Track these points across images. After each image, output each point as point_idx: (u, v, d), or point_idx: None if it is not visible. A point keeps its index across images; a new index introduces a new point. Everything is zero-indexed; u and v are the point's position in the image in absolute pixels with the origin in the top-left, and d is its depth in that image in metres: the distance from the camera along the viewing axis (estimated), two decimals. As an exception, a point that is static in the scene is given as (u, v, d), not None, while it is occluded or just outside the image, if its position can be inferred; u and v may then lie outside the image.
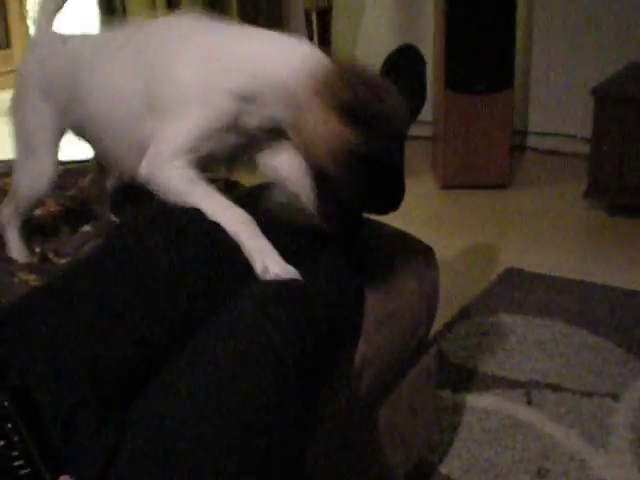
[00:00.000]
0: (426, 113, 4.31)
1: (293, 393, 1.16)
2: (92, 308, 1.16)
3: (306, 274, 1.36)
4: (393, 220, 1.85)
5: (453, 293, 2.82)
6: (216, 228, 1.33)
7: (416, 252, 1.78)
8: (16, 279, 1.63)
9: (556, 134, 4.46)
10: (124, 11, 4.13)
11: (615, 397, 2.28)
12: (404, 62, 1.81)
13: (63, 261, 1.72)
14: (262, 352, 1.14)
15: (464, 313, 2.76)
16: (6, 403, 0.85)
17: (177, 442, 1.04)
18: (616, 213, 3.65)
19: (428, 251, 1.79)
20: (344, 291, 1.43)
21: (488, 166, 4.01)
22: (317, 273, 1.40)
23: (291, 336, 1.17)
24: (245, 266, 1.31)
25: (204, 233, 1.31)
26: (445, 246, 3.28)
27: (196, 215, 1.34)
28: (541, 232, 3.54)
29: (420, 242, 1.82)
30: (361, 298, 1.51)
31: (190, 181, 1.42)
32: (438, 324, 2.65)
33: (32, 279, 1.62)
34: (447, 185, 4.01)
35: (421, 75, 1.81)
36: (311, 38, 4.21)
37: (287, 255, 1.36)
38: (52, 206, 1.97)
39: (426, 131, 4.12)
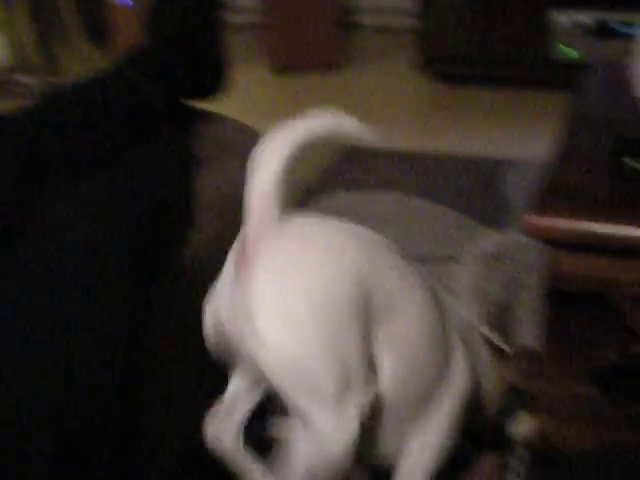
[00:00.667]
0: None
1: (119, 297, 1.13)
2: None
3: (123, 168, 1.33)
4: (224, 109, 1.82)
5: (290, 174, 2.82)
6: None
7: (246, 138, 1.76)
8: None
9: (385, 9, 4.46)
10: None
11: (456, 260, 2.34)
12: None
13: None
14: (84, 253, 1.11)
15: (302, 195, 2.76)
16: None
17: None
18: (450, 83, 3.70)
19: (256, 135, 1.77)
20: (166, 183, 1.40)
21: (319, 47, 3.99)
22: (135, 166, 1.37)
23: (112, 233, 1.14)
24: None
25: None
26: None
27: None
28: (378, 108, 3.56)
29: (250, 128, 1.80)
30: (189, 189, 1.49)
31: None
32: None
33: None
34: (279, 69, 3.97)
35: None
36: None
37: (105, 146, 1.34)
38: None
39: (254, 17, 4.05)
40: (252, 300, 1.01)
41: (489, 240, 2.46)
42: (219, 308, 1.07)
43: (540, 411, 1.36)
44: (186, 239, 1.44)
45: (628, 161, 1.26)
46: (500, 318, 2.09)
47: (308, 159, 2.91)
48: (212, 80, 1.68)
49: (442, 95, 3.64)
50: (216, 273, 1.54)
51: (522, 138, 3.19)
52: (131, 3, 3.87)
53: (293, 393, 0.98)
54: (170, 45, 1.57)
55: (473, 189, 2.72)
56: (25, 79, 2.01)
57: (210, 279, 1.52)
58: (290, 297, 0.99)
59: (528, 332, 2.02)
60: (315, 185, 2.84)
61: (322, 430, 0.98)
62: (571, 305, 1.26)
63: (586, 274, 1.22)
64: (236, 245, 1.15)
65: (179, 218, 1.42)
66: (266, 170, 1.18)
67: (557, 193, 1.24)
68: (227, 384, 1.15)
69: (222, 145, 1.68)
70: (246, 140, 1.69)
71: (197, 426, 1.10)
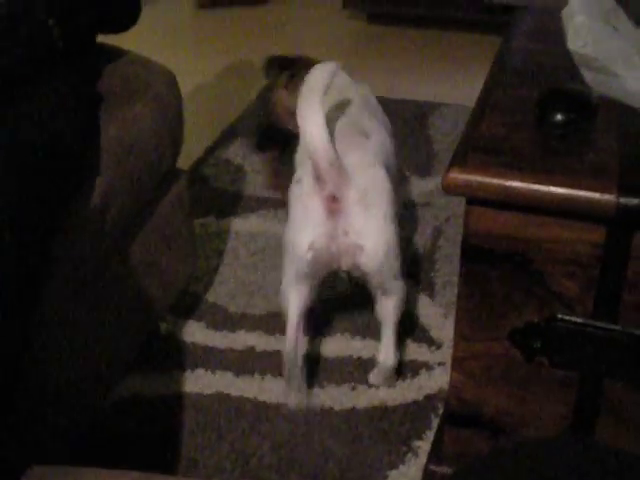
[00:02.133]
0: None
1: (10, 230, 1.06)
2: None
3: (25, 106, 1.24)
4: (148, 45, 1.74)
5: (216, 115, 2.74)
6: None
7: (158, 78, 1.67)
8: None
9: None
10: None
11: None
12: None
13: None
14: None
15: (226, 137, 2.69)
16: None
17: None
18: (374, 21, 3.63)
19: (170, 75, 1.68)
20: (72, 123, 1.31)
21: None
22: (38, 106, 1.28)
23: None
24: None
25: None
26: (206, 67, 3.16)
27: None
28: (303, 45, 3.47)
29: (162, 67, 1.71)
30: (93, 129, 1.40)
31: None
32: (199, 150, 2.57)
33: None
34: (204, 4, 3.85)
35: None
36: None
37: None
38: None
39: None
40: (354, 225, 1.50)
41: (415, 187, 2.41)
42: (316, 236, 1.51)
43: (455, 369, 1.32)
44: (88, 183, 1.36)
45: (554, 115, 1.20)
46: (422, 267, 2.06)
47: (230, 99, 2.83)
48: (123, 11, 1.58)
49: (369, 34, 3.57)
50: (117, 218, 1.47)
51: (451, 80, 3.14)
52: None
53: (382, 276, 1.56)
54: None
55: (400, 133, 2.65)
56: None
57: (111, 223, 1.45)
58: (376, 220, 1.52)
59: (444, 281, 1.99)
60: (236, 127, 2.76)
61: (399, 292, 1.62)
62: (488, 262, 1.21)
63: (505, 232, 1.16)
64: (305, 188, 1.52)
65: (77, 159, 1.33)
66: (318, 121, 1.43)
67: (478, 147, 1.18)
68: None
69: (131, 85, 1.59)
70: (159, 82, 1.61)
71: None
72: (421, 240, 2.18)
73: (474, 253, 1.21)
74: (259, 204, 2.33)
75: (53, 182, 1.20)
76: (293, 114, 1.53)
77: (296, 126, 1.48)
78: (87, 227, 1.37)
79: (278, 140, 2.21)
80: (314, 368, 1.76)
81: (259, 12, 3.84)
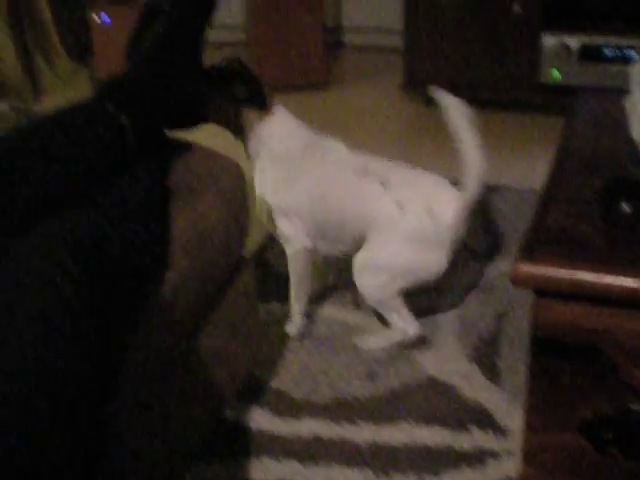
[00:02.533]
0: (236, 16, 4.20)
1: (83, 332, 1.07)
2: None
3: (98, 203, 1.27)
4: (212, 129, 1.77)
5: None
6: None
7: (225, 170, 1.70)
8: None
9: (371, 28, 4.42)
10: None
11: (442, 291, 2.29)
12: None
13: None
14: (44, 296, 1.05)
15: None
16: None
17: None
18: (432, 104, 3.65)
19: (236, 167, 1.72)
20: (142, 219, 1.35)
21: (305, 66, 3.95)
22: (110, 201, 1.31)
23: (74, 274, 1.08)
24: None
25: None
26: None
27: None
28: (361, 129, 3.52)
29: (228, 159, 1.75)
30: (163, 224, 1.43)
31: None
32: (262, 236, 2.60)
33: None
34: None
35: None
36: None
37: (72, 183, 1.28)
38: None
39: (240, 36, 4.00)
40: None
41: (479, 271, 2.41)
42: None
43: (526, 462, 1.31)
44: (158, 277, 1.38)
45: (621, 205, 1.20)
46: (485, 351, 2.04)
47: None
48: (192, 110, 1.63)
49: (427, 117, 3.60)
50: (187, 309, 1.49)
51: (512, 162, 3.14)
52: (110, 22, 3.84)
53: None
54: (149, 74, 1.52)
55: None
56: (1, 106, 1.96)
57: (181, 315, 1.47)
58: None
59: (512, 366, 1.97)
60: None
61: None
62: (558, 353, 1.21)
63: (575, 323, 1.16)
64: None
65: (151, 255, 1.36)
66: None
67: (545, 239, 1.18)
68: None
69: (200, 179, 1.62)
70: (226, 175, 1.64)
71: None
72: (484, 324, 2.17)
73: (544, 344, 1.20)
74: (323, 290, 2.34)
75: (128, 277, 1.22)
76: None
77: None
78: (157, 319, 1.39)
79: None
80: (379, 457, 1.74)
81: (318, 96, 3.90)
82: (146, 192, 1.40)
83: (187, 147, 1.72)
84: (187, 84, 1.58)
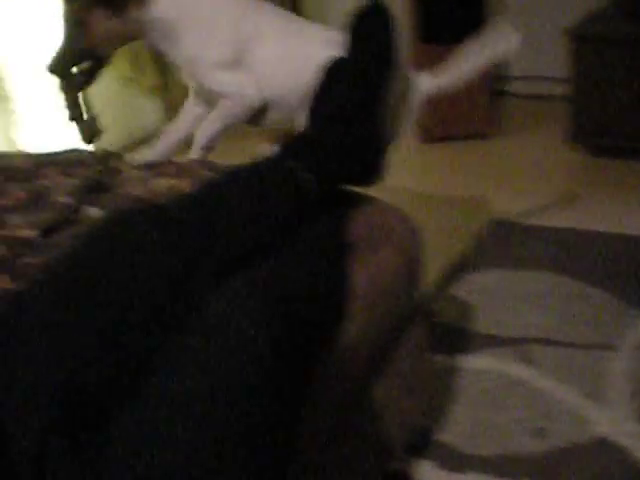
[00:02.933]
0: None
1: (275, 385, 1.11)
2: (64, 316, 1.10)
3: (282, 258, 1.32)
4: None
5: (440, 251, 2.78)
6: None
7: (400, 224, 1.73)
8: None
9: (536, 77, 4.39)
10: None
11: (611, 348, 2.25)
12: (370, 24, 1.75)
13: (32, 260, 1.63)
14: (240, 351, 1.09)
15: (452, 271, 2.72)
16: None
17: (160, 456, 1.00)
18: (600, 155, 3.60)
19: (410, 222, 1.75)
20: (326, 274, 1.39)
21: (469, 116, 3.95)
22: (294, 256, 1.36)
23: (267, 329, 1.12)
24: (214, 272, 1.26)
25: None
26: (429, 202, 3.23)
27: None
28: (526, 180, 3.49)
29: (400, 210, 1.78)
30: (344, 278, 1.47)
31: None
32: (426, 284, 2.61)
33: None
34: (427, 138, 3.95)
35: (388, 37, 1.75)
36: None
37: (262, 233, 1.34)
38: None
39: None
40: None
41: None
42: None
43: None
44: (339, 330, 1.41)
45: None
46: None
47: (455, 233, 2.88)
48: (371, 168, 1.67)
49: (595, 168, 3.54)
50: (363, 361, 1.52)
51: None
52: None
53: None
54: (330, 133, 1.57)
55: (629, 271, 2.61)
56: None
57: (358, 366, 1.50)
58: None
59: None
60: (465, 261, 2.79)
61: None
62: None
63: None
64: None
65: (333, 308, 1.40)
66: None
67: None
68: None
69: (376, 232, 1.66)
70: (401, 227, 1.67)
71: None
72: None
73: None
74: (487, 341, 2.34)
75: (313, 329, 1.26)
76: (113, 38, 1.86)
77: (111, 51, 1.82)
78: (335, 370, 1.42)
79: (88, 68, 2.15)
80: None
81: (481, 146, 3.90)
82: (327, 245, 1.45)
83: (362, 200, 1.75)
84: (367, 145, 1.62)
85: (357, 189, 1.75)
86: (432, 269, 2.62)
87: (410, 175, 3.61)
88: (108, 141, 3.85)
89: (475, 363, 2.24)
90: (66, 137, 3.29)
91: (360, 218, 1.68)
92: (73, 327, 1.08)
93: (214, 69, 2.06)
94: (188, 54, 2.07)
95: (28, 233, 1.63)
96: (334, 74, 1.77)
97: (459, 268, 2.74)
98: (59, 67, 2.05)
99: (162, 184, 1.89)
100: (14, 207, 1.74)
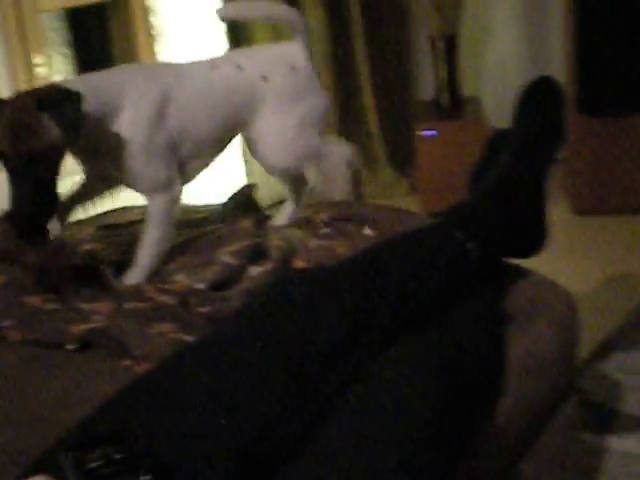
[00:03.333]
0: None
1: (438, 455, 1.12)
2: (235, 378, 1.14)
3: (444, 327, 1.33)
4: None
5: (592, 327, 2.73)
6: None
7: (557, 299, 1.72)
8: (151, 330, 1.62)
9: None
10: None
11: None
12: (540, 96, 1.76)
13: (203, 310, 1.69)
14: (406, 420, 1.11)
15: (604, 349, 2.66)
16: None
17: None
18: None
19: (568, 297, 1.73)
20: (485, 345, 1.39)
21: (625, 190, 3.88)
22: (455, 326, 1.37)
23: (434, 398, 1.14)
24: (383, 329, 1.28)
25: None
26: (582, 276, 3.18)
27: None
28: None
29: (555, 284, 1.76)
30: (501, 350, 1.47)
31: None
32: (577, 361, 2.57)
33: (170, 330, 1.61)
34: (581, 210, 3.89)
35: (559, 110, 1.76)
36: (437, 64, 4.17)
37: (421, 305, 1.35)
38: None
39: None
40: None
41: None
42: None
43: None
44: (495, 403, 1.41)
45: None
46: None
47: (608, 310, 2.82)
48: (535, 240, 1.67)
49: None
50: (516, 436, 1.51)
51: None
52: (435, 135, 3.98)
53: None
54: (495, 203, 1.58)
55: None
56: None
57: (510, 441, 1.49)
58: None
59: None
60: (618, 339, 2.73)
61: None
62: None
63: None
64: None
65: (491, 380, 1.40)
66: None
67: None
68: None
69: (533, 305, 1.65)
70: (557, 301, 1.66)
71: None
72: None
73: None
74: (637, 423, 2.27)
75: (472, 401, 1.27)
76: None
77: None
78: (488, 444, 1.41)
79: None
80: None
81: (636, 221, 3.82)
82: (486, 317, 1.45)
83: (518, 272, 1.75)
84: (533, 217, 1.62)
85: (513, 261, 1.75)
86: (584, 345, 2.57)
87: (562, 247, 3.56)
88: (267, 197, 3.99)
89: (624, 445, 2.18)
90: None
91: (516, 290, 1.68)
92: (247, 385, 1.12)
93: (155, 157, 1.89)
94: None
95: (198, 285, 1.71)
96: (496, 144, 1.78)
97: (611, 346, 2.68)
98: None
99: (320, 245, 1.94)
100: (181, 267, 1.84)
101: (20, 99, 1.69)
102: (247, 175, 3.88)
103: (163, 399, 1.11)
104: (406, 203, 3.92)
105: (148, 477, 0.85)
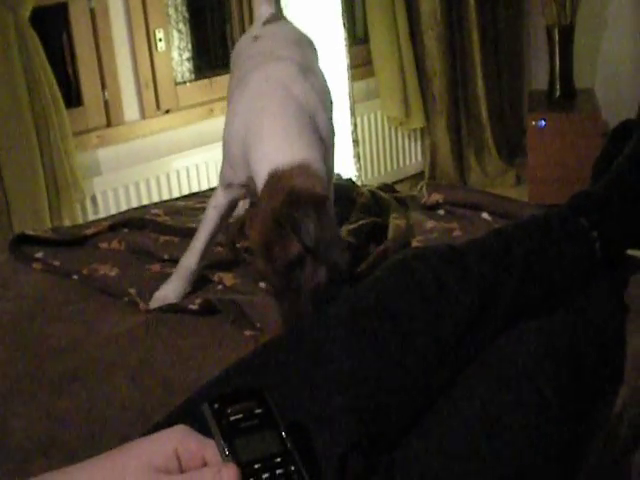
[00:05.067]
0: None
1: (557, 437, 1.14)
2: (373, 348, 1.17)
3: (568, 313, 1.34)
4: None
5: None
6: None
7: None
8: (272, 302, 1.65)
9: None
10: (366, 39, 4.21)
11: None
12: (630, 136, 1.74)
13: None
14: (527, 398, 1.12)
15: None
16: (289, 445, 0.87)
17: None
18: None
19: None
20: (606, 333, 1.39)
21: None
22: (579, 313, 1.37)
23: (555, 379, 1.15)
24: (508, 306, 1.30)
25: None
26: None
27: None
28: None
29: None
30: (622, 339, 1.47)
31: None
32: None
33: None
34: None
35: None
36: (552, 55, 4.13)
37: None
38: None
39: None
40: None
41: None
42: None
43: None
44: (614, 391, 1.41)
45: None
46: None
47: None
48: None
49: None
50: (630, 425, 1.50)
51: None
52: (545, 126, 3.95)
53: None
54: (618, 193, 1.58)
55: None
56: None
57: (624, 430, 1.48)
58: None
59: None
60: None
61: None
62: None
63: None
64: None
65: (612, 369, 1.40)
66: None
67: None
68: None
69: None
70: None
71: None
72: None
73: None
74: None
75: (593, 387, 1.27)
76: None
77: None
78: (603, 430, 1.41)
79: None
80: None
81: None
82: (607, 306, 1.45)
83: (637, 262, 1.74)
84: None
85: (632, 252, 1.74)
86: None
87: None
88: (374, 179, 4.01)
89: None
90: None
91: (635, 281, 1.66)
92: (376, 352, 1.15)
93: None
94: None
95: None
96: (621, 134, 1.77)
97: None
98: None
99: (436, 227, 1.96)
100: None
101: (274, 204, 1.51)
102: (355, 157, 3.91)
103: (296, 362, 1.14)
104: (512, 193, 3.91)
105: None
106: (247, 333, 1.59)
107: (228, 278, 1.79)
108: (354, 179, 2.85)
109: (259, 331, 1.58)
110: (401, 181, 4.22)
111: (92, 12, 3.23)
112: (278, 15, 2.02)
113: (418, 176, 4.33)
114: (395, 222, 1.92)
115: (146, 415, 1.37)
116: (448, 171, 4.30)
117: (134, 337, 1.62)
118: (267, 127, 1.61)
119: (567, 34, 4.10)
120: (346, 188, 2.19)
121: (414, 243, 1.87)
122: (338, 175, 2.35)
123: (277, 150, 1.58)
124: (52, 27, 3.26)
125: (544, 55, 4.28)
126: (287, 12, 3.69)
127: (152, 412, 1.37)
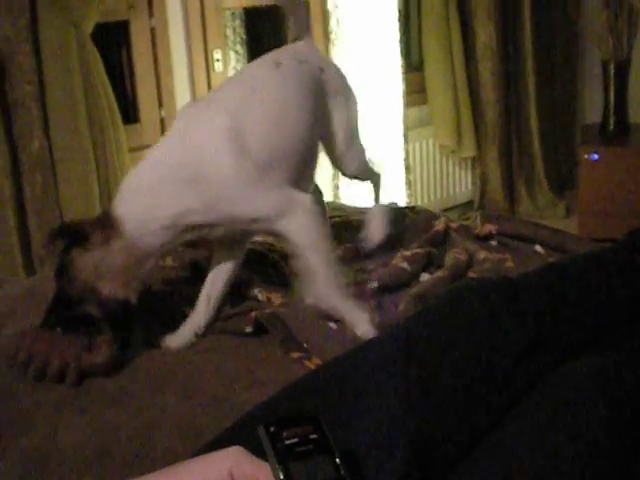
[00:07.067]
0: None
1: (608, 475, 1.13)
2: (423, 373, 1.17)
3: (619, 352, 1.33)
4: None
5: None
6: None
7: None
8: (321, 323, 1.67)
9: None
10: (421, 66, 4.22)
11: None
12: None
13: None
14: (583, 444, 1.11)
15: None
16: (342, 472, 0.87)
17: None
18: None
19: None
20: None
21: None
22: (631, 352, 1.36)
23: (607, 421, 1.14)
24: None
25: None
26: None
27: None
28: None
29: None
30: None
31: None
32: None
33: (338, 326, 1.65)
34: None
35: None
36: (607, 89, 4.11)
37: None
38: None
39: None
40: None
41: None
42: None
43: None
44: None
45: None
46: None
47: None
48: None
49: None
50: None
51: None
52: (598, 159, 3.93)
53: None
54: None
55: None
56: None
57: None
58: None
59: None
60: None
61: None
62: None
63: None
64: None
65: None
66: None
67: None
68: None
69: None
70: None
71: None
72: None
73: None
74: None
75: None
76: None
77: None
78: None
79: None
80: None
81: None
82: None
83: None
84: None
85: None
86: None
87: None
88: (424, 206, 4.02)
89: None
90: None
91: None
92: (426, 381, 1.15)
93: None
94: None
95: (372, 284, 1.75)
96: None
97: None
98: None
99: (488, 257, 1.95)
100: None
101: None
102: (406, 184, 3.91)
103: (348, 389, 1.14)
104: (561, 225, 3.89)
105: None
106: (294, 355, 1.59)
107: (277, 297, 1.81)
108: (404, 205, 2.84)
109: (306, 352, 1.59)
110: (451, 209, 4.21)
111: (152, 31, 3.28)
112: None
113: (467, 205, 4.33)
114: (455, 254, 1.92)
115: (196, 430, 1.38)
116: (498, 200, 4.28)
117: (182, 355, 1.64)
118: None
119: (623, 68, 4.08)
120: (397, 214, 2.19)
121: (469, 274, 1.87)
122: (393, 203, 2.36)
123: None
124: (113, 44, 3.32)
125: (598, 88, 4.25)
126: (346, 39, 3.73)
127: (201, 427, 1.38)
